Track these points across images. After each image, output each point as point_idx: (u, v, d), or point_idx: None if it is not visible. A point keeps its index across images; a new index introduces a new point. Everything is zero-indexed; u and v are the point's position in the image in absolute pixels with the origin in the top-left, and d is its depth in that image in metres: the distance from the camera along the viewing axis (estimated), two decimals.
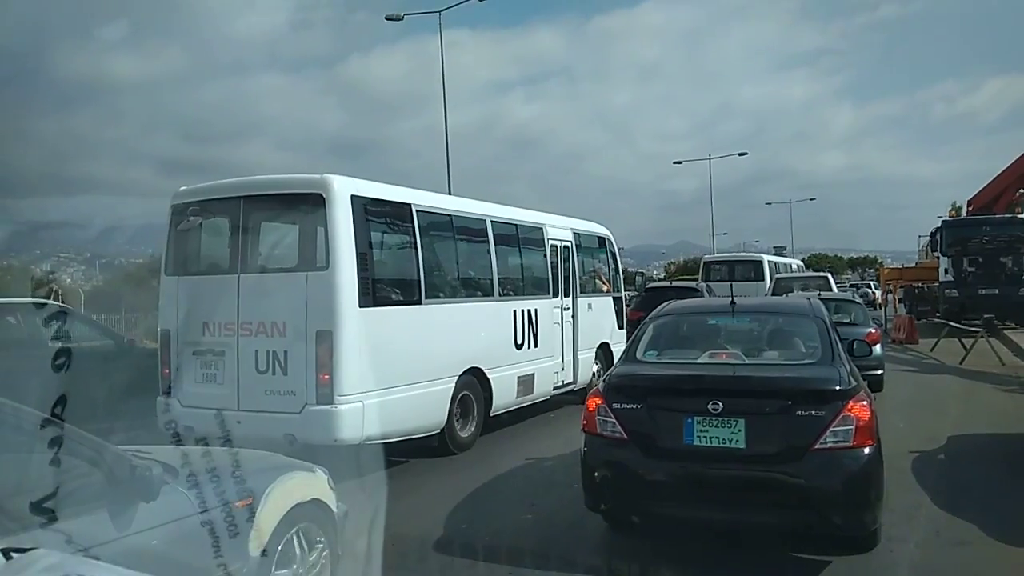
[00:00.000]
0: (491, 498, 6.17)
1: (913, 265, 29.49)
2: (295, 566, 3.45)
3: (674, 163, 43.83)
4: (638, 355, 5.12)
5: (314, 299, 6.26)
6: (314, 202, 6.36)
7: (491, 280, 8.42)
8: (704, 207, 37.39)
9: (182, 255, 7.04)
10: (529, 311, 8.95)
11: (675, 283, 22.93)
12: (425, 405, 7.12)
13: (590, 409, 4.67)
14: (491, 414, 8.19)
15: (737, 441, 4.18)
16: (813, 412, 4.11)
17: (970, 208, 24.31)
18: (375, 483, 6.11)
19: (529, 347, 8.88)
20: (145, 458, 2.89)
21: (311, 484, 3.69)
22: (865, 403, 4.17)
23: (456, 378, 7.57)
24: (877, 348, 10.37)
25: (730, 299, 5.46)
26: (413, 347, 6.99)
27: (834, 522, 4.15)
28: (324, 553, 3.65)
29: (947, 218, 25.11)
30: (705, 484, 4.28)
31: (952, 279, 20.79)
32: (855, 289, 39.08)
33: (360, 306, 6.37)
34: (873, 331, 10.88)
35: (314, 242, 6.46)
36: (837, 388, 4.21)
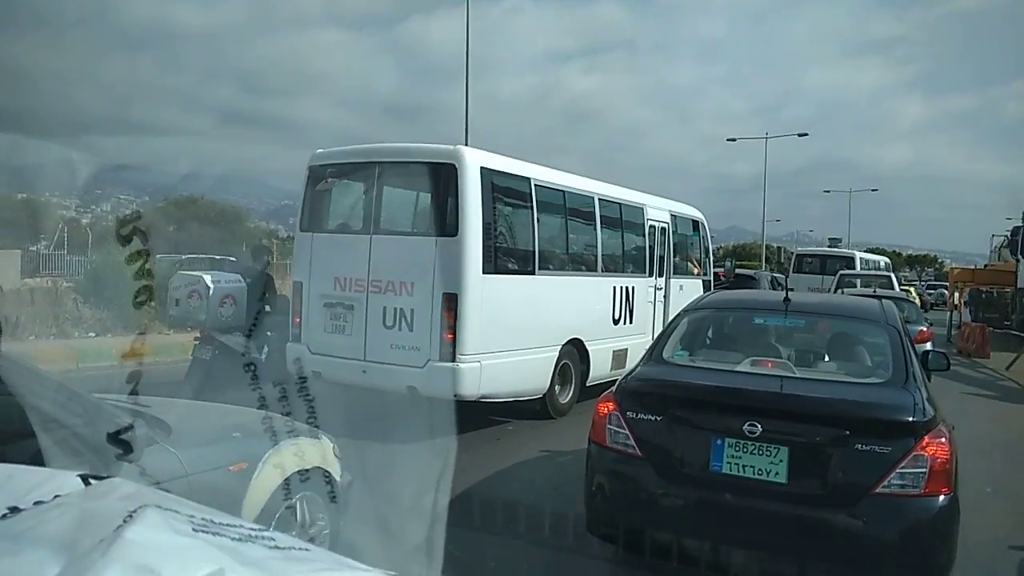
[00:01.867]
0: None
1: (984, 267, 26.98)
2: (294, 535, 3.13)
3: (728, 140, 41.67)
4: (665, 355, 4.34)
5: (442, 263, 6.68)
6: (447, 172, 6.75)
7: (595, 256, 8.74)
8: (758, 193, 35.60)
9: (317, 213, 7.55)
10: (627, 288, 9.23)
11: (760, 272, 22.89)
12: (532, 370, 7.52)
13: (600, 415, 3.95)
14: (587, 384, 8.54)
15: (777, 474, 3.45)
16: (877, 447, 3.34)
17: None
18: (469, 441, 6.64)
19: (624, 323, 9.18)
20: (141, 414, 2.73)
21: (315, 450, 3.41)
22: (944, 439, 3.39)
23: (559, 347, 7.93)
24: (928, 345, 9.19)
25: (784, 294, 4.69)
26: (525, 315, 7.37)
27: None
28: (325, 523, 3.41)
29: None
30: (732, 520, 3.54)
31: None
32: (932, 289, 38.14)
33: (483, 272, 6.77)
34: (924, 329, 10.96)
35: (444, 209, 6.85)
36: (911, 419, 3.43)
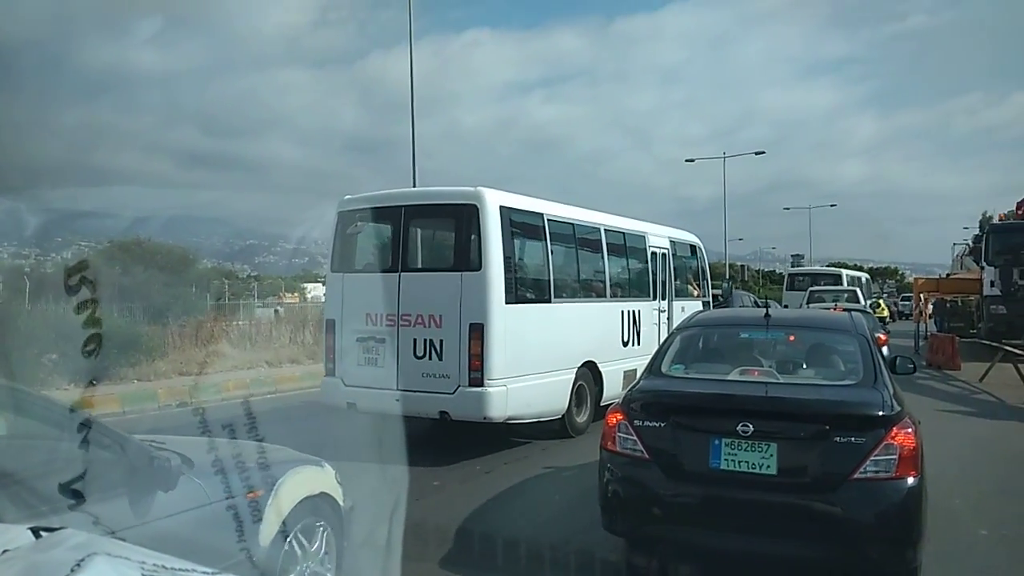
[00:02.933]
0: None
1: (946, 276, 26.76)
2: (300, 559, 3.49)
3: (686, 161, 39.77)
4: (663, 369, 4.81)
5: (468, 296, 7.25)
6: (469, 212, 7.35)
7: (604, 283, 9.33)
8: (720, 213, 35.95)
9: (347, 255, 8.13)
10: (633, 312, 9.82)
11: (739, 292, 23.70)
12: (552, 392, 8.05)
13: (610, 424, 4.39)
14: (601, 404, 9.07)
15: (768, 467, 3.87)
16: (853, 438, 3.81)
17: (1019, 212, 21.20)
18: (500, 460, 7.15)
19: (633, 345, 9.74)
20: (163, 449, 2.95)
21: (319, 478, 3.71)
22: (910, 430, 3.84)
23: (575, 370, 8.48)
24: (884, 349, 9.34)
25: (764, 311, 5.21)
26: (544, 340, 7.93)
27: (871, 557, 3.82)
28: (331, 546, 3.68)
29: (995, 221, 21.90)
30: (731, 511, 3.99)
31: (999, 293, 17.83)
32: (906, 300, 39.59)
33: (506, 302, 7.34)
34: (881, 336, 11.52)
35: (468, 246, 7.43)
36: (880, 413, 3.90)
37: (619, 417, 4.33)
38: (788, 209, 64.50)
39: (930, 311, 23.35)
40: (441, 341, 7.32)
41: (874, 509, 3.77)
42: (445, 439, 8.16)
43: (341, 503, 3.75)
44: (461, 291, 7.28)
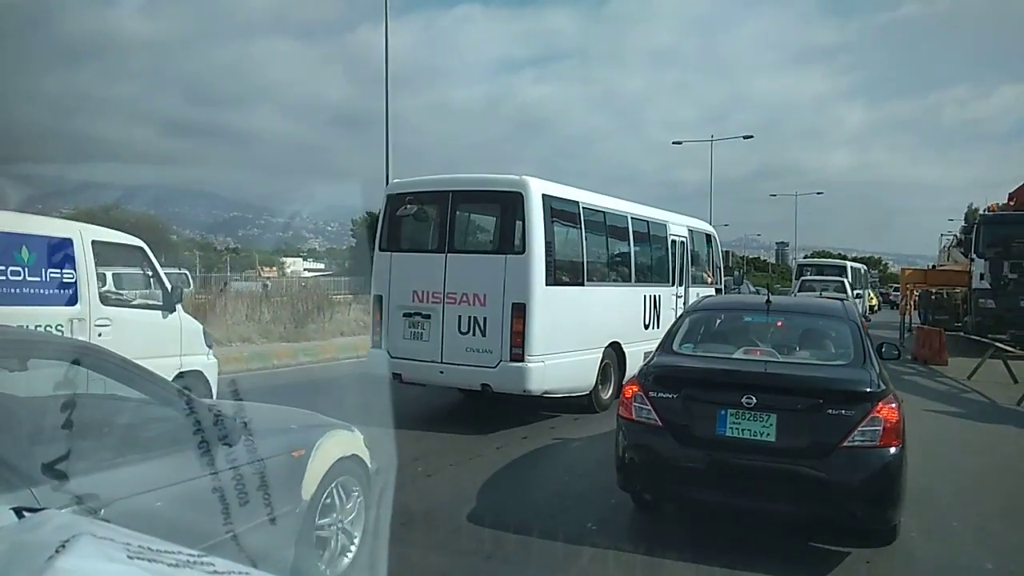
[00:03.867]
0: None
1: (932, 267, 26.36)
2: (336, 512, 3.80)
3: (674, 143, 39.09)
4: (675, 347, 5.26)
5: (511, 277, 7.80)
6: (514, 199, 7.88)
7: (629, 268, 9.91)
8: (707, 198, 36.28)
9: (395, 235, 8.65)
10: (655, 296, 10.41)
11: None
12: (582, 369, 8.64)
13: (627, 396, 4.85)
14: (624, 382, 9.67)
15: (768, 435, 4.32)
16: (843, 411, 4.24)
17: (1011, 203, 20.32)
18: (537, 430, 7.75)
19: (653, 328, 10.32)
20: (222, 411, 3.25)
21: (351, 441, 4.00)
22: (894, 405, 4.30)
23: (602, 349, 9.06)
24: None
25: (766, 297, 5.73)
26: (577, 320, 8.50)
27: (857, 516, 4.32)
28: (360, 502, 4.00)
29: (986, 212, 20.99)
30: (734, 473, 4.43)
31: (988, 286, 17.40)
32: (896, 292, 41.09)
33: (546, 284, 7.90)
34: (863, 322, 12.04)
35: (512, 231, 7.97)
36: (867, 390, 4.34)
37: (635, 389, 4.80)
38: (775, 196, 65.23)
39: (914, 303, 23.15)
40: (485, 318, 7.87)
41: (860, 474, 4.21)
42: (482, 412, 8.78)
43: (369, 465, 4.08)
44: (505, 272, 7.82)
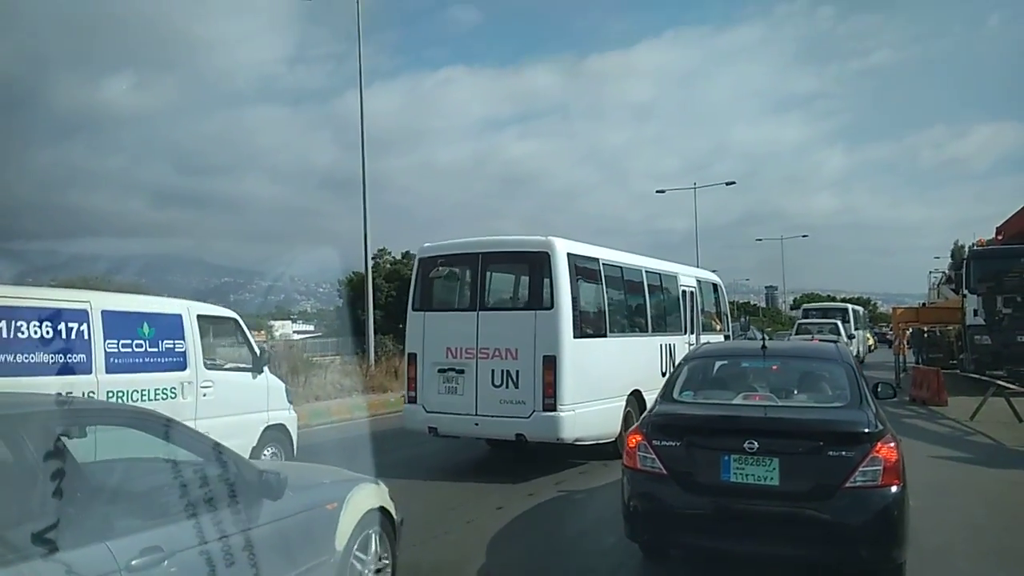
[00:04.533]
0: None
1: (922, 305, 26.01)
2: (365, 562, 3.99)
3: (657, 192, 40.57)
4: (675, 395, 5.28)
5: (541, 331, 8.29)
6: (541, 258, 8.44)
7: (646, 319, 10.43)
8: (695, 246, 37.07)
9: (427, 296, 9.16)
10: (670, 345, 10.91)
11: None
12: (608, 417, 9.07)
13: (631, 445, 4.86)
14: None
15: (771, 479, 4.34)
16: (843, 453, 4.29)
17: (999, 237, 20.53)
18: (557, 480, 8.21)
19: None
20: (266, 467, 3.50)
21: (378, 494, 4.24)
22: (892, 445, 4.35)
23: (625, 397, 9.50)
24: None
25: (762, 343, 5.75)
26: (602, 370, 8.97)
27: (862, 557, 4.31)
28: (387, 552, 4.22)
29: (976, 248, 20.74)
30: (741, 519, 4.43)
31: (983, 322, 17.05)
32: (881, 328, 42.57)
33: (574, 337, 8.39)
34: None
35: (541, 288, 8.49)
36: (866, 431, 4.38)
37: (639, 438, 4.81)
38: (760, 240, 65.90)
39: (907, 341, 22.60)
40: (517, 372, 8.33)
41: (864, 514, 4.23)
42: (511, 463, 9.16)
43: (395, 516, 4.32)
44: (535, 327, 8.31)
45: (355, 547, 3.89)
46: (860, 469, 4.24)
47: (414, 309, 9.14)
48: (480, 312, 8.68)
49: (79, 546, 2.46)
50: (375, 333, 19.35)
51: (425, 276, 9.14)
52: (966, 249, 25.29)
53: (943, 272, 30.01)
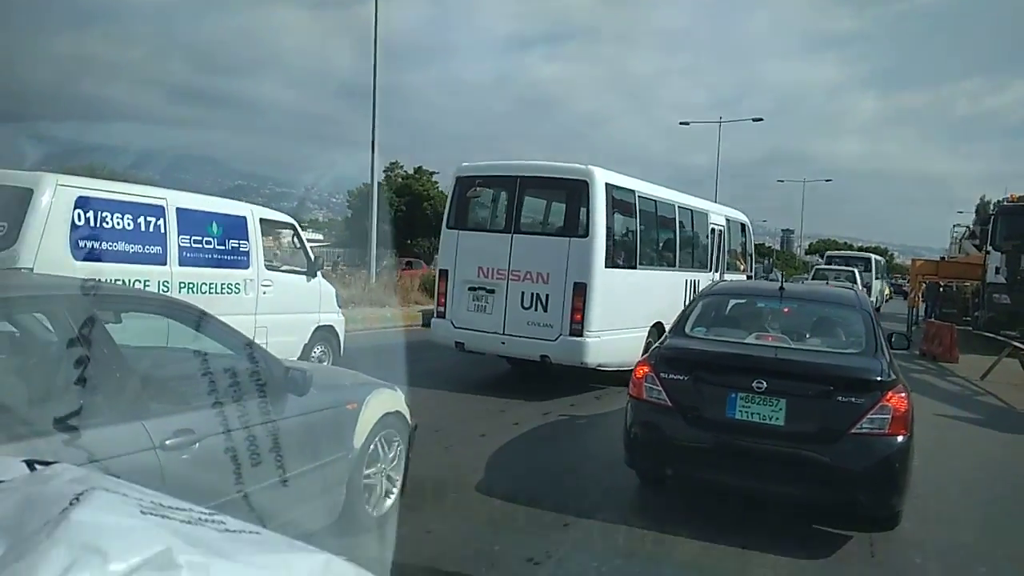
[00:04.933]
0: None
1: (942, 259, 25.23)
2: (380, 461, 4.21)
3: (681, 123, 39.44)
4: (687, 330, 5.31)
5: (574, 258, 8.43)
6: (579, 186, 8.50)
7: (674, 254, 10.55)
8: (715, 183, 36.02)
9: (463, 214, 9.27)
10: (694, 281, 11.05)
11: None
12: (630, 346, 9.29)
13: (638, 376, 4.86)
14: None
15: (777, 419, 4.35)
16: (853, 399, 4.27)
17: None
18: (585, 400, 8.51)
19: None
20: (292, 365, 3.60)
21: (395, 399, 4.38)
22: (903, 395, 4.33)
23: (647, 328, 9.72)
24: None
25: (780, 283, 5.72)
26: (628, 301, 9.15)
27: (862, 502, 4.35)
28: (401, 452, 4.40)
29: (1004, 203, 19.79)
30: (742, 455, 4.45)
31: (1004, 281, 16.55)
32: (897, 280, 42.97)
33: (605, 266, 8.54)
34: None
35: (577, 216, 8.58)
36: (878, 378, 4.37)
37: (646, 370, 4.83)
38: (782, 182, 64.21)
39: (921, 295, 22.06)
40: (547, 295, 8.52)
41: (868, 460, 4.25)
42: (529, 383, 9.47)
43: (409, 421, 4.48)
44: (568, 254, 8.45)
45: (371, 446, 4.08)
46: (868, 416, 4.23)
47: (448, 227, 9.27)
48: (515, 235, 8.80)
49: (118, 422, 2.64)
50: (379, 247, 19.40)
51: (462, 195, 9.22)
52: (992, 205, 24.49)
53: (967, 227, 29.18)
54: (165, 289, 6.53)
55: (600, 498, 5.19)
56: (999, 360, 12.28)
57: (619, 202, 9.02)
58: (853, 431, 4.24)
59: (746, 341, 5.12)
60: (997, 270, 16.82)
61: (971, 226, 27.57)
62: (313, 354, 8.42)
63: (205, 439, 2.84)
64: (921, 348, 15.08)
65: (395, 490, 4.33)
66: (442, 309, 9.19)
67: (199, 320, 3.35)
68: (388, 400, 4.31)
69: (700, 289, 11.11)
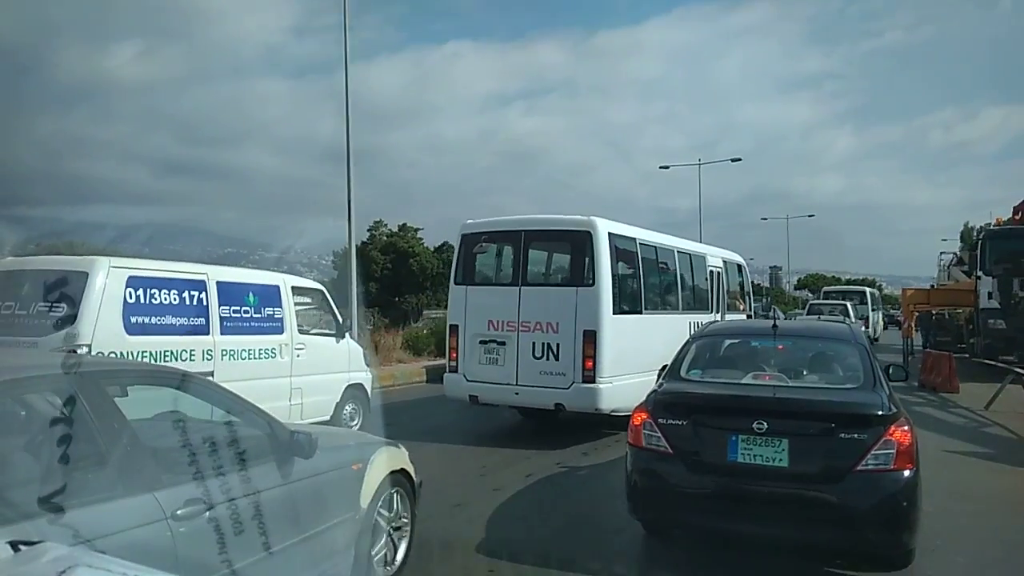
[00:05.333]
0: None
1: (932, 287, 25.27)
2: (388, 519, 4.23)
3: (661, 167, 37.77)
4: (682, 373, 5.24)
5: (582, 307, 8.63)
6: (583, 237, 8.76)
7: (676, 297, 10.77)
8: (704, 225, 35.85)
9: (470, 270, 9.50)
10: (697, 323, 11.21)
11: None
12: (642, 389, 9.25)
13: (636, 423, 4.74)
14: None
15: (780, 460, 4.25)
16: (856, 435, 4.18)
17: (1016, 217, 19.68)
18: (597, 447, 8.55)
19: None
20: (297, 428, 3.65)
21: (399, 457, 4.45)
22: (906, 428, 4.25)
23: (657, 371, 9.83)
24: None
25: (772, 322, 5.66)
26: (637, 346, 9.31)
27: (872, 541, 4.25)
28: (407, 511, 4.42)
29: (991, 227, 20.05)
30: (747, 500, 4.33)
31: (998, 305, 16.38)
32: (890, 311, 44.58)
33: (613, 313, 8.74)
34: None
35: (582, 266, 8.82)
36: (879, 413, 4.30)
37: (644, 416, 4.73)
38: (766, 219, 64.66)
39: (915, 323, 21.74)
40: (558, 344, 8.69)
41: (875, 498, 4.15)
42: (542, 432, 9.55)
43: (414, 477, 4.53)
44: (576, 303, 8.65)
45: (378, 505, 4.10)
46: (873, 452, 4.14)
47: (456, 283, 9.48)
48: (522, 287, 9.01)
49: (130, 495, 2.66)
50: (367, 306, 19.04)
51: (468, 251, 9.46)
52: (976, 230, 25.27)
53: (954, 253, 29.53)
54: (208, 358, 6.99)
55: (610, 552, 5.10)
56: (1002, 388, 11.98)
57: (622, 250, 9.27)
58: (858, 468, 4.15)
59: (743, 382, 5.05)
60: (990, 295, 16.61)
61: (958, 252, 27.95)
62: (344, 411, 8.83)
63: (215, 507, 2.86)
64: (920, 379, 14.74)
65: (402, 549, 4.35)
66: (454, 364, 9.33)
67: (180, 384, 3.36)
68: (393, 458, 4.36)
69: None
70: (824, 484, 4.20)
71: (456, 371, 9.29)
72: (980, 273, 17.20)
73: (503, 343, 8.98)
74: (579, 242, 8.83)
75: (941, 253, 31.92)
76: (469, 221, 9.59)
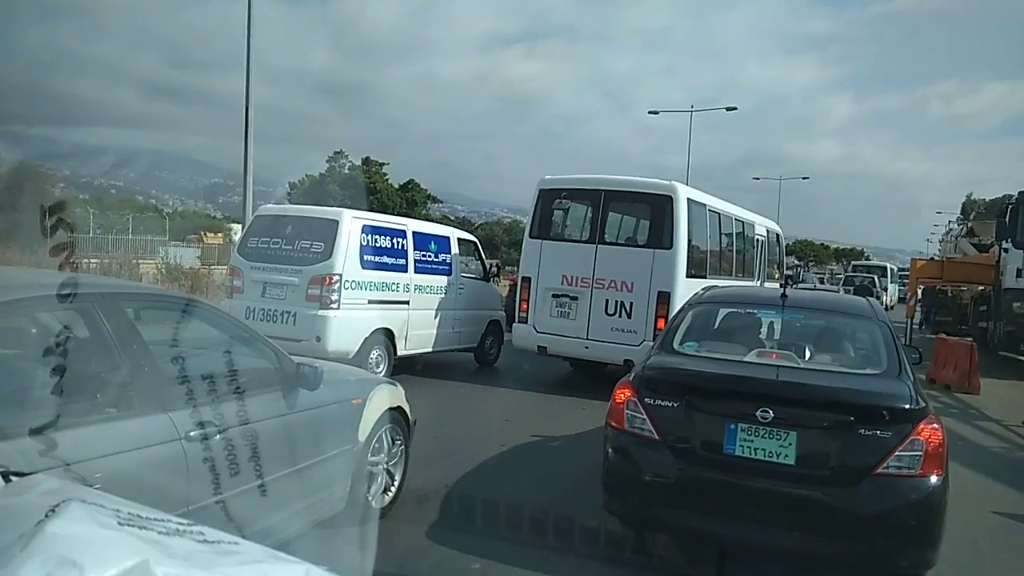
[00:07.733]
0: None
1: (945, 259, 21.28)
2: (383, 454, 4.34)
3: (650, 112, 35.31)
4: (675, 345, 4.49)
5: (658, 268, 8.96)
6: (664, 201, 9.04)
7: (731, 263, 11.17)
8: (694, 182, 31.39)
9: (546, 225, 9.74)
10: None
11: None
12: None
13: (617, 402, 4.07)
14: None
15: (786, 456, 3.65)
16: (878, 432, 3.57)
17: None
18: None
19: None
20: (303, 361, 3.70)
21: (396, 395, 4.55)
22: (936, 426, 3.63)
23: None
24: None
25: (781, 291, 4.86)
26: None
27: (889, 555, 3.61)
28: (401, 447, 4.53)
29: None
30: (744, 500, 3.72)
31: None
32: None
33: (685, 276, 9.10)
34: None
35: (660, 229, 9.11)
36: (907, 407, 3.67)
37: (628, 393, 4.05)
38: (758, 179, 63.99)
39: (918, 299, 18.96)
40: (631, 303, 9.04)
41: (896, 506, 3.57)
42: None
43: (410, 417, 4.66)
44: (652, 265, 8.99)
45: (375, 440, 4.22)
46: (896, 453, 3.54)
47: (531, 236, 9.72)
48: (599, 245, 9.30)
49: (147, 414, 2.76)
50: None
51: (545, 206, 9.69)
52: (1004, 198, 17.08)
53: (964, 223, 27.73)
54: (407, 291, 8.99)
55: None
56: None
57: (695, 216, 9.58)
58: (878, 471, 3.55)
59: (746, 360, 4.32)
60: (1019, 272, 13.37)
61: (968, 222, 26.46)
62: (485, 344, 10.85)
63: (225, 431, 2.91)
64: (930, 374, 11.69)
65: (395, 484, 4.49)
66: (524, 315, 9.64)
67: (188, 310, 3.40)
68: (390, 396, 4.46)
69: None
70: (836, 487, 3.62)
71: (526, 322, 9.62)
72: (1008, 245, 13.94)
73: (576, 298, 9.31)
74: (659, 205, 9.11)
75: (949, 222, 31.05)
76: (548, 176, 9.80)
